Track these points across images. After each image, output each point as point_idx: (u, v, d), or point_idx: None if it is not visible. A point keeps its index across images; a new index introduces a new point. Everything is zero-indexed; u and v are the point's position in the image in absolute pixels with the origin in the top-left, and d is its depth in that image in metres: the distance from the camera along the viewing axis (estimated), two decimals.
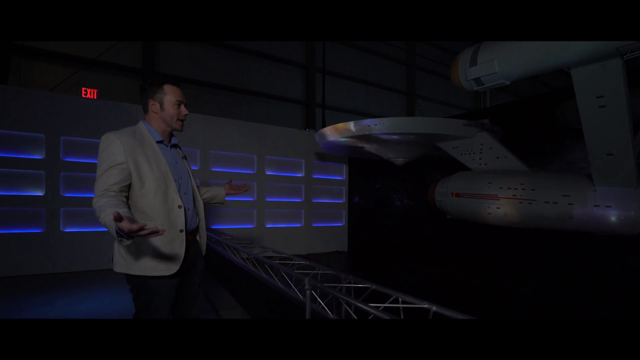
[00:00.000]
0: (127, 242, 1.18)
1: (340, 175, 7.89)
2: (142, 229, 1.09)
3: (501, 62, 2.61)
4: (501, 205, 3.58)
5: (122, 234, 1.14)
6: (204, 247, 1.69)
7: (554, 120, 4.29)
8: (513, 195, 3.48)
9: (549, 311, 3.69)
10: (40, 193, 5.04)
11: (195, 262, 1.62)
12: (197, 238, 1.65)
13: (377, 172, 7.26)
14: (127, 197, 1.42)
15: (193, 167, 4.77)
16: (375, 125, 4.21)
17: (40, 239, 5.01)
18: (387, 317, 1.18)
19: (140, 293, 1.46)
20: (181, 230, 1.47)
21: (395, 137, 4.41)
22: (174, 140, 1.64)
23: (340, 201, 7.88)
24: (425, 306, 1.34)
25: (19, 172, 4.90)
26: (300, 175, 7.32)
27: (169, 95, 1.52)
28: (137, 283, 1.44)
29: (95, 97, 5.51)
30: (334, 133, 4.74)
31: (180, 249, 1.45)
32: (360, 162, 7.50)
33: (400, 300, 1.45)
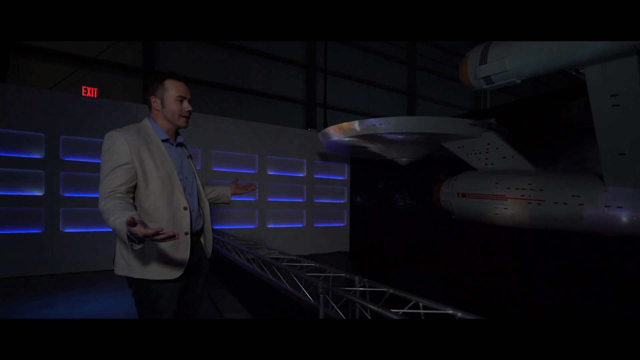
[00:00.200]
0: (138, 247, 1.13)
1: (341, 175, 7.84)
2: (157, 233, 1.03)
3: (513, 60, 2.57)
4: (509, 206, 3.54)
5: (133, 239, 1.09)
6: (209, 250, 1.64)
7: (560, 119, 4.26)
8: (521, 195, 3.44)
9: (555, 312, 3.65)
10: (39, 193, 4.96)
11: (200, 264, 1.56)
12: (202, 240, 1.60)
13: (379, 172, 7.22)
14: (133, 199, 1.36)
15: None
16: (380, 125, 4.17)
17: (39, 240, 4.93)
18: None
19: (143, 297, 1.40)
20: (186, 233, 1.42)
21: (400, 136, 4.36)
22: (179, 139, 1.58)
23: (342, 201, 7.83)
24: (450, 312, 1.28)
25: (18, 172, 4.83)
26: (302, 175, 7.27)
27: (170, 91, 1.45)
28: (140, 287, 1.38)
29: (95, 96, 5.43)
30: (338, 132, 4.69)
31: (184, 253, 1.40)
32: (362, 162, 7.45)
33: (421, 305, 1.40)
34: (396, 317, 1.16)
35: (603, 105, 2.45)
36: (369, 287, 1.67)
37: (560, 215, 3.15)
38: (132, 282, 1.39)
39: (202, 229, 1.58)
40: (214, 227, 6.14)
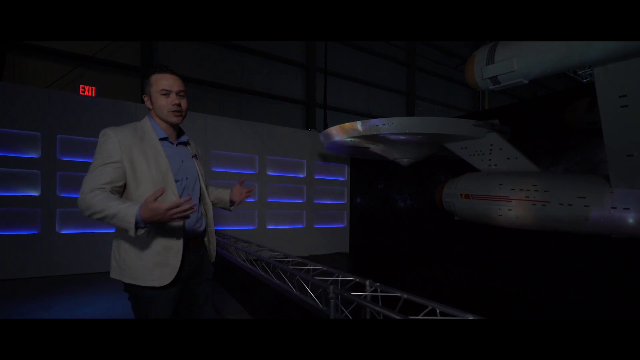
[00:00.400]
0: (142, 231, 1.18)
1: (342, 175, 7.80)
2: (178, 205, 1.12)
3: (520, 60, 2.54)
4: (513, 207, 3.52)
5: (140, 224, 1.15)
6: (213, 254, 1.58)
7: (563, 121, 4.24)
8: (525, 196, 3.41)
9: (560, 313, 3.63)
10: (35, 193, 4.87)
11: (201, 269, 1.49)
12: (206, 243, 1.54)
13: (380, 173, 7.19)
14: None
15: None
16: (383, 125, 4.13)
17: (35, 241, 4.84)
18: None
19: (137, 303, 1.36)
20: (178, 238, 1.35)
21: (402, 137, 4.33)
22: (183, 138, 1.51)
23: (342, 202, 7.79)
24: (470, 318, 1.24)
25: (13, 172, 4.73)
26: (302, 175, 7.22)
27: (155, 85, 1.38)
28: (133, 292, 1.35)
29: (93, 95, 5.35)
30: (340, 133, 4.65)
31: (175, 258, 1.32)
32: (362, 163, 7.42)
33: (438, 311, 1.35)
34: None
35: (611, 106, 2.43)
36: (381, 292, 1.63)
37: (565, 217, 3.13)
38: (126, 286, 1.35)
39: (205, 231, 1.52)
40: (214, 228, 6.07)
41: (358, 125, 4.36)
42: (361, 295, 1.54)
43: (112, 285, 4.28)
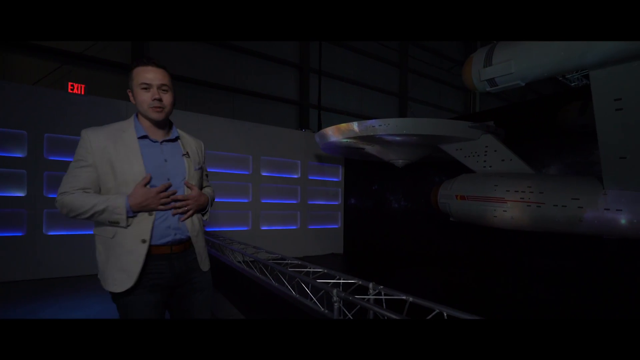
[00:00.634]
0: (128, 223, 1.23)
1: (336, 176, 7.78)
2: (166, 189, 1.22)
3: (518, 63, 2.56)
4: (508, 209, 3.55)
5: (129, 213, 1.21)
6: (203, 262, 1.44)
7: (556, 123, 4.31)
8: (520, 198, 3.45)
9: (554, 313, 3.68)
10: (21, 194, 4.71)
11: (189, 279, 1.38)
12: (197, 250, 1.41)
13: (374, 174, 7.19)
14: None
15: None
16: (379, 126, 4.13)
17: (21, 243, 4.67)
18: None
19: (118, 309, 1.32)
20: (143, 241, 1.26)
21: (398, 138, 4.33)
22: (174, 134, 1.41)
23: (336, 203, 7.78)
24: (474, 319, 1.23)
25: None
26: (296, 176, 7.18)
27: (135, 79, 1.29)
28: (112, 297, 1.31)
29: (82, 93, 5.20)
30: (336, 133, 4.63)
31: (134, 264, 1.24)
32: (356, 164, 7.42)
33: (445, 315, 1.34)
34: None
35: (606, 109, 2.47)
36: (385, 295, 1.60)
37: (559, 218, 3.17)
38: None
39: (195, 237, 1.39)
40: (207, 229, 5.98)
41: (354, 125, 4.35)
42: (364, 298, 1.51)
43: (102, 289, 4.16)
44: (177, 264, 1.34)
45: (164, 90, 1.32)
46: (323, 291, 1.66)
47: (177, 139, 1.43)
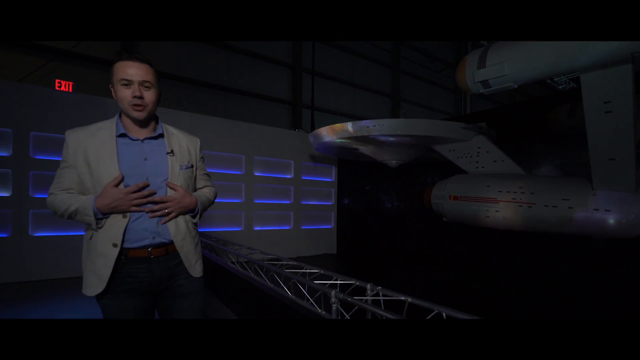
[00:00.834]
0: (102, 224, 1.20)
1: (329, 177, 7.78)
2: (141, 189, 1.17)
3: (511, 65, 2.59)
4: (500, 209, 3.60)
5: (99, 214, 1.18)
6: (193, 267, 1.34)
7: (545, 125, 4.39)
8: (512, 198, 3.50)
9: (545, 312, 3.74)
10: (6, 194, 4.57)
11: (170, 284, 1.31)
12: (182, 255, 1.32)
13: (367, 174, 7.22)
14: None
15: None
16: (374, 127, 4.14)
17: (6, 245, 4.53)
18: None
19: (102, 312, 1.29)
20: (115, 245, 1.20)
21: (392, 138, 4.35)
22: (158, 131, 1.34)
23: (329, 203, 7.77)
24: (471, 319, 1.23)
25: None
26: (289, 176, 7.15)
27: (115, 75, 1.22)
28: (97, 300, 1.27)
29: (70, 90, 5.08)
30: (330, 133, 4.63)
31: (105, 268, 1.20)
32: (349, 164, 7.43)
33: (444, 315, 1.34)
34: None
35: (596, 111, 2.52)
36: (383, 296, 1.59)
37: (550, 218, 3.23)
38: None
39: (180, 241, 1.31)
40: (199, 230, 5.90)
41: (349, 126, 4.35)
42: (362, 299, 1.50)
43: None
44: (157, 268, 1.27)
45: (146, 87, 1.25)
46: (320, 292, 1.64)
47: (160, 136, 1.35)
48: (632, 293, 3.64)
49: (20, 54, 5.88)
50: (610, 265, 3.85)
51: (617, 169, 2.71)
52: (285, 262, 2.53)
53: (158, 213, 1.26)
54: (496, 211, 3.63)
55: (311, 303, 1.75)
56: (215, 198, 1.57)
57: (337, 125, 4.52)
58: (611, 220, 2.88)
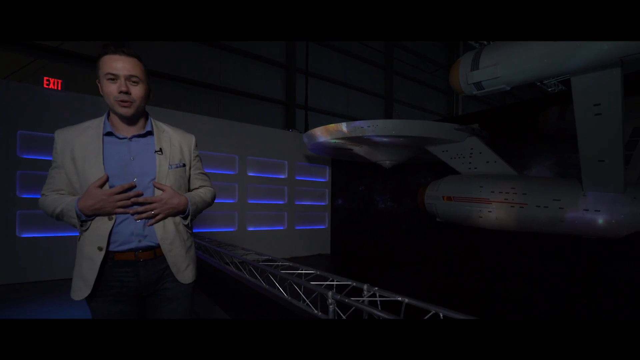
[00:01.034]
0: (87, 225, 1.16)
1: (323, 177, 7.78)
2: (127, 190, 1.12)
3: (504, 67, 2.63)
4: (493, 209, 3.64)
5: (82, 216, 1.14)
6: (181, 273, 1.28)
7: (536, 126, 4.46)
8: (504, 199, 3.55)
9: (539, 312, 3.80)
10: None
11: (157, 288, 1.27)
12: (170, 259, 1.26)
13: (361, 175, 7.24)
14: None
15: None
16: (368, 127, 4.15)
17: None
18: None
19: None
20: (100, 249, 1.16)
21: (386, 139, 4.37)
22: (147, 128, 1.28)
23: (323, 203, 7.77)
24: (469, 319, 1.24)
25: None
26: (283, 176, 7.13)
27: (101, 69, 1.17)
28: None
29: (59, 88, 4.97)
30: (325, 134, 4.63)
31: (90, 272, 1.16)
32: (343, 164, 7.44)
33: (441, 315, 1.35)
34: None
35: (586, 114, 2.57)
36: (380, 297, 1.60)
37: (542, 219, 3.28)
38: None
39: (168, 244, 1.25)
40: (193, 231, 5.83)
41: (343, 126, 4.35)
42: (359, 300, 1.50)
43: None
44: (144, 272, 1.23)
45: (133, 82, 1.19)
46: (316, 293, 1.63)
47: (149, 133, 1.28)
48: (622, 292, 3.72)
49: (7, 50, 5.74)
50: (600, 265, 3.92)
51: (606, 170, 2.77)
52: (280, 263, 2.51)
53: (143, 215, 1.20)
54: (489, 211, 3.67)
55: (307, 304, 1.75)
56: (213, 199, 1.48)
57: (332, 126, 4.52)
58: (600, 221, 2.95)
